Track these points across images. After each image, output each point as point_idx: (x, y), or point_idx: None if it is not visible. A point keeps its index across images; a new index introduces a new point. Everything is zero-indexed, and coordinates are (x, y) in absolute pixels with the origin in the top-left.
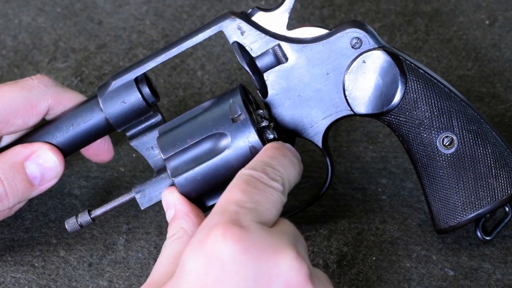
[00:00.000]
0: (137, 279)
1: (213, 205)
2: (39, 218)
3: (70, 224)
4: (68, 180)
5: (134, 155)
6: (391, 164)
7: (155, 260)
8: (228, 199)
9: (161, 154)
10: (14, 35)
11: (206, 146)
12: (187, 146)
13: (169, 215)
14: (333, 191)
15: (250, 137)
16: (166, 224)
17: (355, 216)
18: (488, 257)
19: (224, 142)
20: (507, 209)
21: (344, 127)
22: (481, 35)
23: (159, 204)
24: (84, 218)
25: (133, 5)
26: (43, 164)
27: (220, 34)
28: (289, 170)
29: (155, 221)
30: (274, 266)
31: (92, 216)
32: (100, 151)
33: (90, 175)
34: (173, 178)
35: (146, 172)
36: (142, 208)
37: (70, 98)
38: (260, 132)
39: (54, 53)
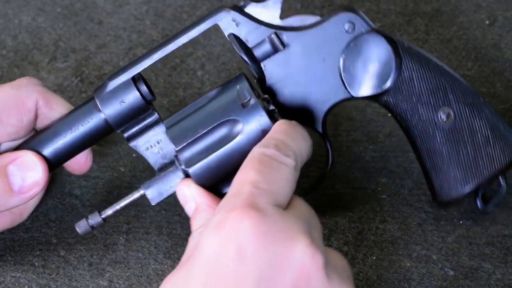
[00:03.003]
0: (137, 279)
1: None
2: (39, 218)
3: (82, 226)
4: (68, 180)
5: (134, 155)
6: (391, 164)
7: (155, 260)
8: (242, 180)
9: (173, 146)
10: (14, 35)
11: (218, 134)
12: (198, 135)
13: (188, 209)
14: (333, 191)
15: (262, 121)
16: (166, 224)
17: (355, 216)
18: (488, 257)
19: (235, 128)
20: (501, 181)
21: (344, 127)
22: (481, 35)
23: (159, 204)
24: (95, 219)
25: (133, 5)
26: (26, 171)
27: (220, 34)
28: (301, 144)
29: (155, 221)
30: (288, 252)
31: (102, 216)
32: (78, 163)
33: (90, 175)
34: (188, 169)
35: (146, 172)
36: (153, 204)
37: (57, 100)
38: (269, 115)
39: (54, 53)
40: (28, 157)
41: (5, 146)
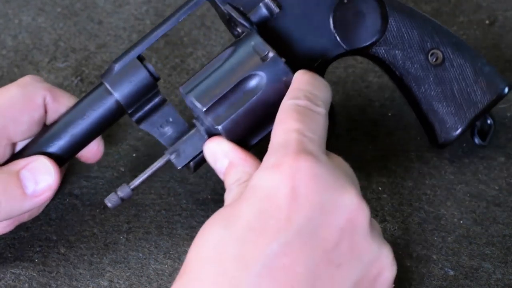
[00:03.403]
0: (138, 279)
1: (255, 144)
2: (39, 217)
3: (112, 200)
4: (69, 180)
5: (134, 155)
6: (392, 163)
7: (155, 259)
8: (286, 129)
9: (200, 107)
10: (14, 35)
11: (242, 89)
12: (224, 93)
13: (220, 166)
14: None
15: (282, 71)
16: (166, 224)
17: None
18: (488, 256)
19: (258, 81)
20: (488, 120)
21: (344, 127)
22: (481, 35)
23: (159, 203)
24: (124, 191)
25: (133, 5)
26: (39, 175)
27: (220, 34)
28: (326, 93)
29: (156, 221)
30: (338, 198)
31: (131, 187)
32: (91, 151)
33: (90, 175)
34: (218, 126)
35: None
36: (178, 168)
37: (63, 95)
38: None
39: (54, 53)
40: (40, 161)
41: (21, 145)
